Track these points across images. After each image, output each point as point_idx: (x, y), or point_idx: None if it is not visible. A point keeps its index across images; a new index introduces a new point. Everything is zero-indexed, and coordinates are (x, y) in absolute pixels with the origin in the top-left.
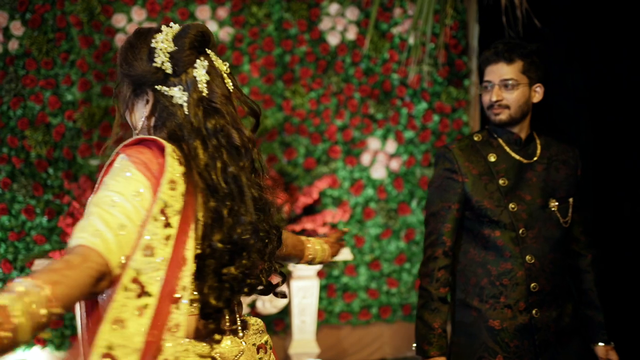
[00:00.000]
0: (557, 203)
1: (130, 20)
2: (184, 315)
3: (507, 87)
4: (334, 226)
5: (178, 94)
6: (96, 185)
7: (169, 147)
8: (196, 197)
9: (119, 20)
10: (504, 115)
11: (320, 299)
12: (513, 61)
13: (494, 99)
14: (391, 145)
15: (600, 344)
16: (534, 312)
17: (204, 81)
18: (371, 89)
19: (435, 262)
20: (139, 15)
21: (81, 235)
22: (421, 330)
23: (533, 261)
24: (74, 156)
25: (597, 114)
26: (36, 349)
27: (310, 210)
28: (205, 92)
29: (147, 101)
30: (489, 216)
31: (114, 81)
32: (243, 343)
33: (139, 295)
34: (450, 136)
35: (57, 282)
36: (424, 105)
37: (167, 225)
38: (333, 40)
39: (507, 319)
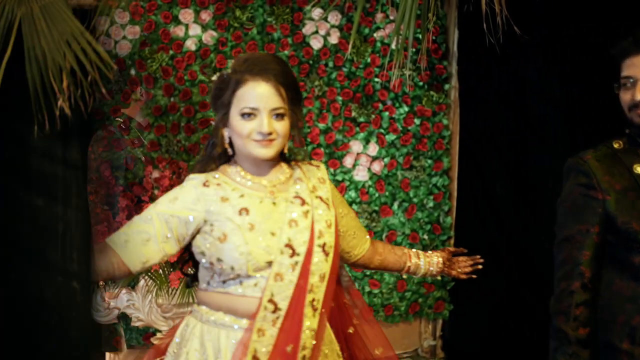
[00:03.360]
0: None
1: (112, 23)
2: None
3: None
4: None
5: None
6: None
7: None
8: None
9: (101, 22)
10: None
11: None
12: None
13: (638, 97)
14: (373, 148)
15: None
16: None
17: None
18: (353, 92)
19: (572, 297)
20: (121, 18)
21: (367, 235)
22: None
23: None
24: None
25: (576, 120)
26: None
27: None
28: None
29: None
30: (639, 240)
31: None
32: None
33: None
34: (431, 139)
35: None
36: (405, 108)
37: None
38: (316, 44)
39: None
